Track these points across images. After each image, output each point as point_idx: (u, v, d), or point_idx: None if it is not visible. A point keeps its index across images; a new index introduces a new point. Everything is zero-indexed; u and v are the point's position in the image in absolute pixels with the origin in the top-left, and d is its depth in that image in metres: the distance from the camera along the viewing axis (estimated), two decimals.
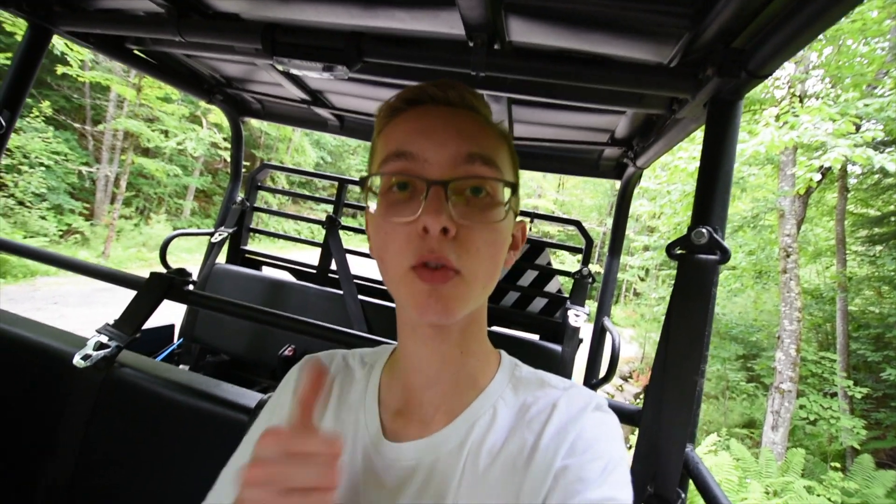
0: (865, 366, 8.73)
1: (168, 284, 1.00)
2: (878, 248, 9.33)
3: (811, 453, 7.29)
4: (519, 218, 0.55)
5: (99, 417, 0.86)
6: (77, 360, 0.84)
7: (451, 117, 0.47)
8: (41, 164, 8.33)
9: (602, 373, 1.68)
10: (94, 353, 0.86)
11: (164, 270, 1.11)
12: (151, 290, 0.99)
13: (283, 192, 2.56)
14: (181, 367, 1.97)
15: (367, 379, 0.56)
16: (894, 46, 6.84)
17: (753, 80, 0.76)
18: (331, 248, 2.16)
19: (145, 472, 0.84)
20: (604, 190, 21.83)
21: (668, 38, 0.84)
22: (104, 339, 0.89)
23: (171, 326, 2.04)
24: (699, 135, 0.96)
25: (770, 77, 0.76)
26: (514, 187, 0.48)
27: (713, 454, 5.17)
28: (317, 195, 2.59)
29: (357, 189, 2.77)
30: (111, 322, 0.93)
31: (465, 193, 0.45)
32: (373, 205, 0.47)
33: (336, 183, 2.32)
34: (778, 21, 0.65)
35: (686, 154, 6.01)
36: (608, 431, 0.47)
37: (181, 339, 2.01)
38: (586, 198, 23.74)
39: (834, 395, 7.79)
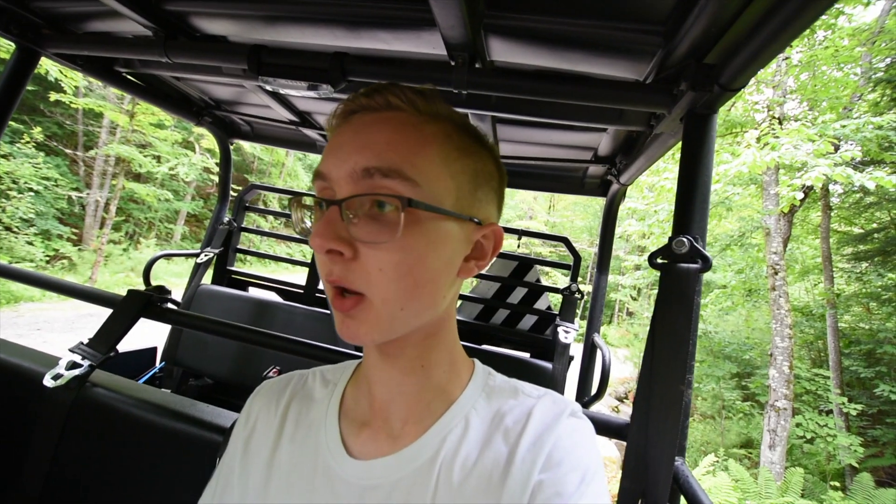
0: (859, 382, 8.73)
1: (145, 302, 0.97)
2: (864, 265, 9.49)
3: (810, 472, 7.20)
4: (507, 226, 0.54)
5: (69, 438, 0.82)
6: (47, 380, 0.81)
7: (365, 127, 0.43)
8: (30, 190, 8.28)
9: (594, 390, 1.66)
10: (66, 373, 0.83)
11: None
12: (128, 308, 0.96)
13: (269, 212, 2.54)
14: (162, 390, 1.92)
15: (328, 398, 0.54)
16: (866, 72, 7.16)
17: (726, 93, 0.78)
18: (318, 267, 2.14)
19: (116, 493, 0.81)
20: (594, 211, 22.12)
21: (642, 55, 0.87)
22: (77, 358, 0.87)
23: (153, 349, 1.99)
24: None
25: (742, 90, 0.79)
26: (408, 201, 0.40)
27: (711, 475, 5.08)
28: None
29: None
30: (85, 341, 0.91)
31: (368, 210, 0.41)
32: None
33: None
34: (746, 36, 0.68)
35: (672, 175, 6.13)
36: (583, 439, 0.46)
37: (163, 363, 1.96)
38: (577, 219, 24.03)
39: (829, 412, 7.77)
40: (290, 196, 0.49)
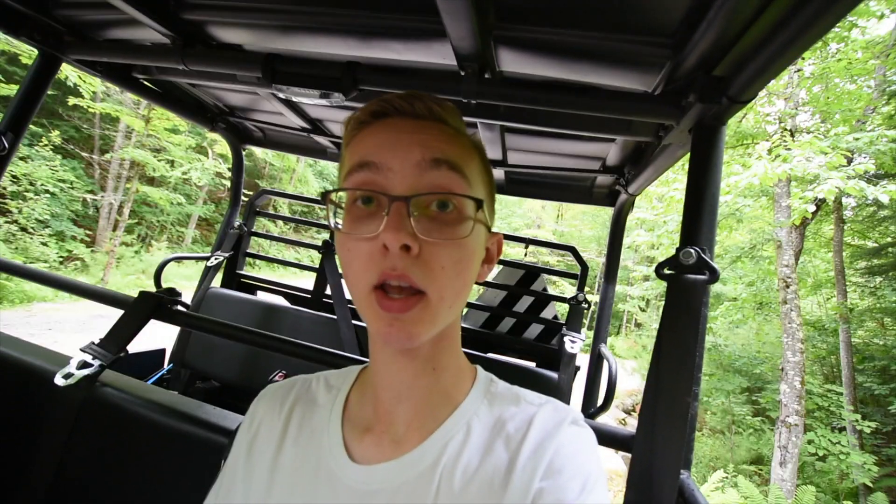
0: (873, 399, 8.54)
1: (156, 304, 0.99)
2: (878, 279, 9.32)
3: (822, 491, 7.03)
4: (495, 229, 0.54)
5: (78, 437, 0.84)
6: (58, 379, 0.83)
7: (418, 128, 0.46)
8: (46, 192, 8.45)
9: (600, 401, 1.65)
10: (77, 372, 0.85)
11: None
12: (139, 309, 0.98)
13: (280, 217, 2.58)
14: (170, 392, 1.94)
15: (332, 402, 0.55)
16: (880, 84, 7.09)
17: (734, 105, 0.78)
18: (326, 272, 2.16)
19: (122, 492, 0.81)
20: (602, 221, 22.00)
21: (651, 67, 0.87)
22: (88, 357, 0.88)
23: (162, 351, 2.01)
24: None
25: (751, 102, 0.79)
26: (480, 202, 0.45)
27: (720, 492, 4.98)
28: (317, 222, 2.59)
29: None
30: (96, 341, 0.92)
31: (430, 208, 0.44)
32: (339, 220, 0.46)
33: None
34: (754, 49, 0.68)
35: (681, 186, 6.10)
36: (584, 446, 0.46)
37: (171, 365, 1.98)
38: (585, 228, 23.91)
39: (842, 429, 7.59)
40: (342, 190, 0.46)
